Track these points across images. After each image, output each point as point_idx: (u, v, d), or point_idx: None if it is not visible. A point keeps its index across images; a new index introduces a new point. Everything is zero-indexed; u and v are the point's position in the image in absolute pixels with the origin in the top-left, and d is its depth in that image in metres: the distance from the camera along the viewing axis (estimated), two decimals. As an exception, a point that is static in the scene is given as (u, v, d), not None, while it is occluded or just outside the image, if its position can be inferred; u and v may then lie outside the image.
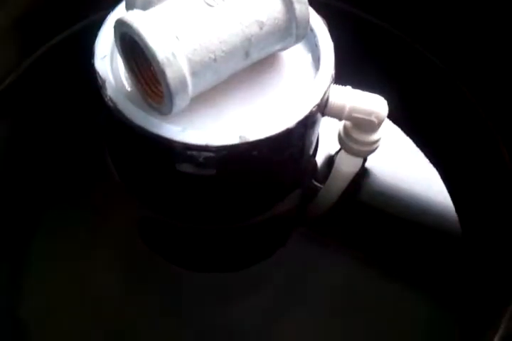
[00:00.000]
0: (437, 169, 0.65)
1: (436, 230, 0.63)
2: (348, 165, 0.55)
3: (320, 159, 0.63)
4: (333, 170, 0.57)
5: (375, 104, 0.49)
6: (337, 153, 0.58)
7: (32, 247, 0.61)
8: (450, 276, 0.61)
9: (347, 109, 0.48)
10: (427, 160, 0.65)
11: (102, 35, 0.47)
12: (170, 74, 0.40)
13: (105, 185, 0.61)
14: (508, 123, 0.62)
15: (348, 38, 0.62)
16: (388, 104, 0.50)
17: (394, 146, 0.65)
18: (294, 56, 0.49)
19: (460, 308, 0.59)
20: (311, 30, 0.49)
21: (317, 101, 0.45)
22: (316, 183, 0.61)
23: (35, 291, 0.59)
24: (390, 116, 0.55)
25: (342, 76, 0.50)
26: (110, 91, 0.44)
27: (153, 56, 0.39)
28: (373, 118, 0.48)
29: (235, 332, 0.61)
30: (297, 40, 0.46)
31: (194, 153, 0.43)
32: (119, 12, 0.48)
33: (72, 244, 0.62)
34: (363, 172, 0.62)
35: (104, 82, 0.45)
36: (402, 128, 0.66)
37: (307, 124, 0.46)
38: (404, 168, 0.65)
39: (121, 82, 0.46)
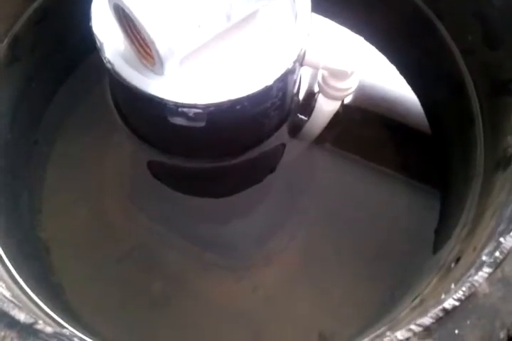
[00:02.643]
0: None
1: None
2: (327, 106, 0.61)
3: (302, 94, 0.68)
4: (315, 110, 0.62)
5: (347, 56, 0.53)
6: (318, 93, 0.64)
7: (49, 176, 0.69)
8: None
9: (323, 60, 0.53)
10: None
11: (96, -1, 0.51)
12: (159, 43, 0.45)
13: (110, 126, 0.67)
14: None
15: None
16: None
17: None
18: (273, 10, 0.53)
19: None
20: (289, -15, 0.52)
21: (293, 58, 0.50)
22: (300, 116, 0.67)
23: (53, 213, 0.68)
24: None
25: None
26: (108, 53, 0.49)
27: (144, 29, 0.44)
28: (346, 69, 0.53)
29: (235, 241, 0.70)
30: (275, -2, 0.50)
31: (185, 109, 0.49)
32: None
33: (84, 172, 0.70)
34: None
35: (102, 44, 0.50)
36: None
37: (285, 79, 0.51)
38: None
39: (119, 44, 0.50)
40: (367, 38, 0.73)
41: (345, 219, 0.70)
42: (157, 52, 0.45)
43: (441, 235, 0.66)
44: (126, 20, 0.48)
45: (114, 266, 0.67)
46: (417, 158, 0.72)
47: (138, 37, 0.48)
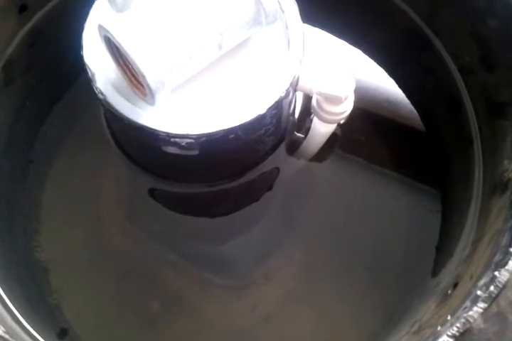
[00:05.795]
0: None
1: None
2: (322, 128, 0.60)
3: (298, 112, 0.67)
4: (310, 132, 0.62)
5: (341, 82, 0.53)
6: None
7: (45, 196, 0.69)
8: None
9: (316, 87, 0.52)
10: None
11: (88, 27, 0.50)
12: (150, 76, 0.44)
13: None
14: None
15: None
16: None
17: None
18: (266, 37, 0.52)
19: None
20: (282, 11, 0.52)
21: (286, 85, 0.49)
22: (297, 134, 0.67)
23: (52, 233, 0.68)
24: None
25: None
26: (100, 83, 0.49)
27: (134, 61, 0.44)
28: (340, 94, 0.53)
29: (234, 260, 0.69)
30: (267, 26, 0.50)
31: (177, 139, 0.49)
32: (100, 4, 0.51)
33: (81, 192, 0.70)
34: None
35: (93, 74, 0.49)
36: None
37: (279, 106, 0.50)
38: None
39: (110, 73, 0.50)
40: (365, 51, 0.73)
41: (345, 235, 0.70)
42: (148, 84, 0.45)
43: (442, 252, 0.65)
44: (117, 51, 0.47)
45: (112, 285, 0.67)
46: (417, 173, 0.71)
47: (129, 67, 0.48)
